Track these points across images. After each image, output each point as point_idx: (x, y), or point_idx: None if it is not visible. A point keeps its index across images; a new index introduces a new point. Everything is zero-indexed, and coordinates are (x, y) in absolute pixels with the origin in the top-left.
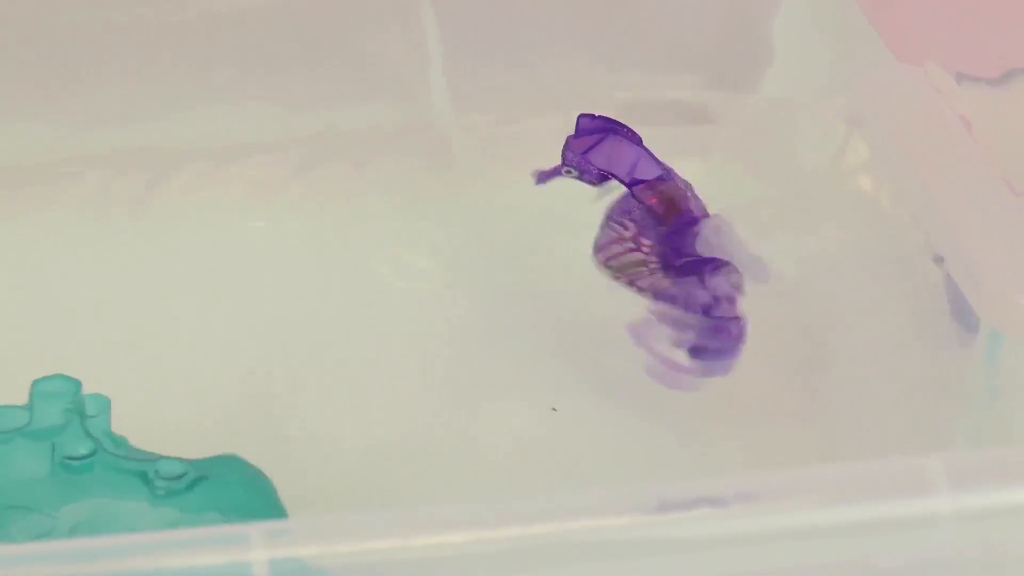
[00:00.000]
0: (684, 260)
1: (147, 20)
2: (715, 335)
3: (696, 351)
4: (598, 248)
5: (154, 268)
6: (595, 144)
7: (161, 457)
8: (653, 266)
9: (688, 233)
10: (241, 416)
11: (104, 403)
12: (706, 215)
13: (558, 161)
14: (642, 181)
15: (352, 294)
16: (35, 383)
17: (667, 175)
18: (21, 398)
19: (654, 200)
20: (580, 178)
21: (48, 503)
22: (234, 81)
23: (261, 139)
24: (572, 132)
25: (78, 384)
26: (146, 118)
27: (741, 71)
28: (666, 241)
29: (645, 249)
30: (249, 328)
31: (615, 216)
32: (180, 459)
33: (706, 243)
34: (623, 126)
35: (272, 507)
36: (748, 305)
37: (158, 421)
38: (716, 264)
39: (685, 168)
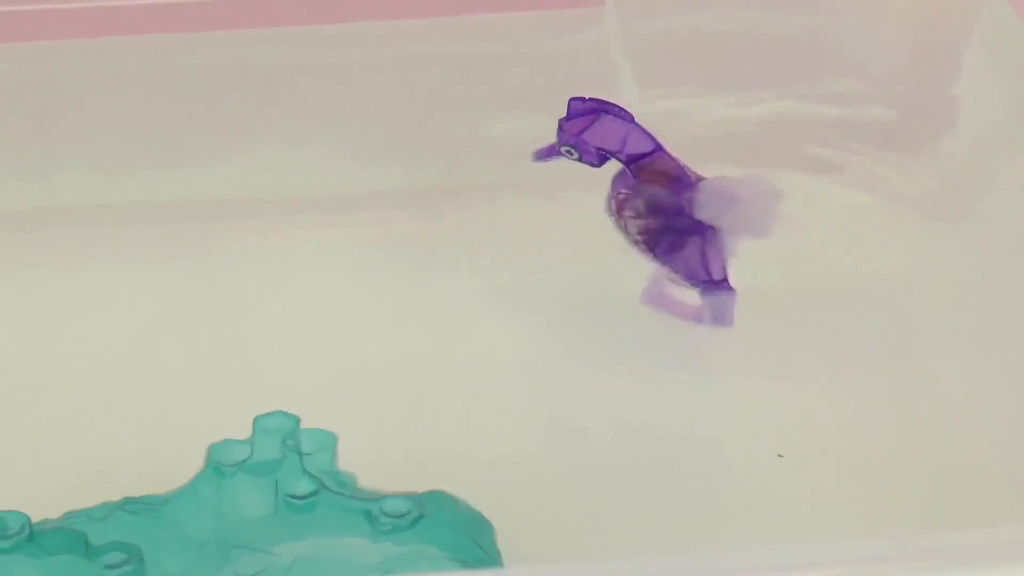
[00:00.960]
0: (680, 225)
1: (245, 67)
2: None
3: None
4: (611, 213)
5: (367, 304)
6: (588, 125)
7: (386, 496)
8: (654, 233)
9: (684, 199)
10: (445, 448)
11: (328, 439)
12: (700, 180)
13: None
14: (638, 156)
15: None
16: (256, 419)
17: (660, 148)
18: (243, 433)
19: (649, 173)
20: (580, 159)
21: (270, 542)
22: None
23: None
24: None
25: (296, 420)
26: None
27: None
28: (664, 210)
29: (646, 217)
30: (458, 363)
31: (617, 187)
32: (403, 496)
33: (702, 206)
34: (613, 105)
35: (486, 542)
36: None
37: (379, 456)
38: (705, 229)
39: None
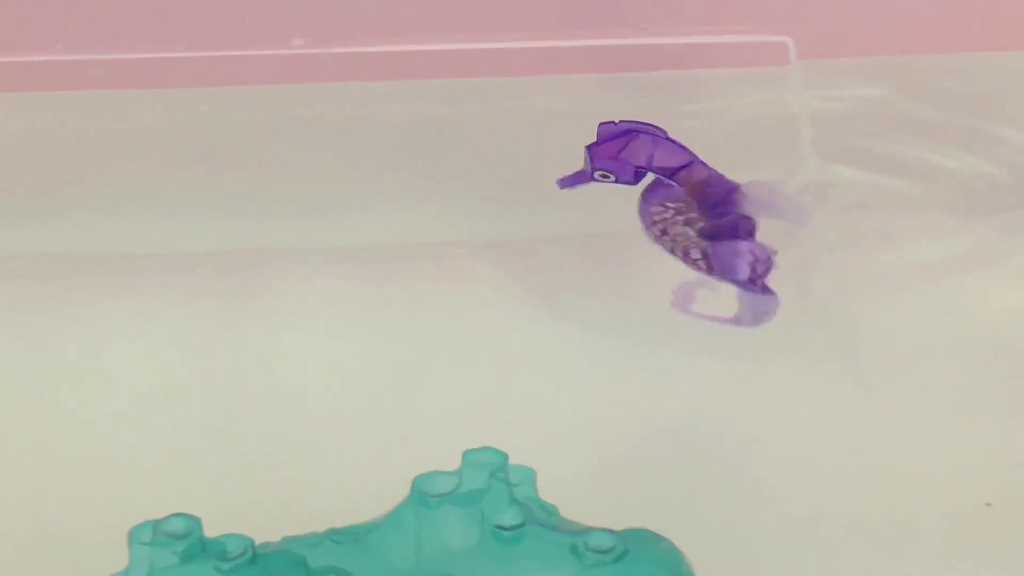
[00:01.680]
0: (721, 225)
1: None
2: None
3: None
4: (652, 228)
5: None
6: (624, 146)
7: (590, 529)
8: (694, 238)
9: (728, 201)
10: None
11: (528, 474)
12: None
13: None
14: (678, 168)
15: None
16: (466, 453)
17: (695, 159)
18: (451, 466)
19: (691, 183)
20: (616, 181)
21: (476, 572)
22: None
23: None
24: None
25: (505, 456)
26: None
27: None
28: (707, 213)
29: (687, 223)
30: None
31: (654, 201)
32: (607, 531)
33: (750, 203)
34: (644, 124)
35: None
36: None
37: (576, 492)
38: (750, 231)
39: None
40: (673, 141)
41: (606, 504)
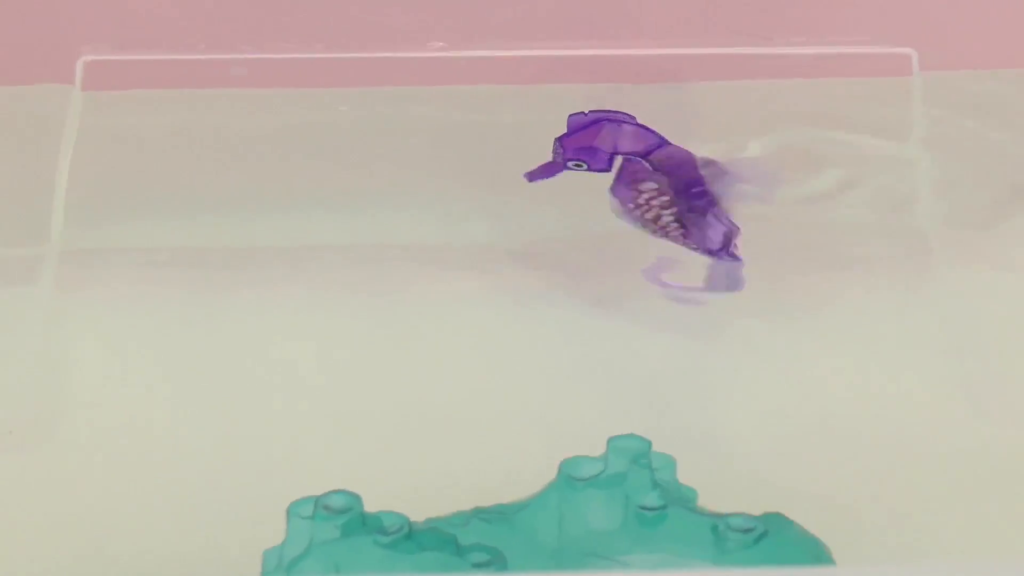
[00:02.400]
0: (698, 201)
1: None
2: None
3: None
4: (629, 209)
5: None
6: (597, 134)
7: (728, 514)
8: (669, 220)
9: (700, 177)
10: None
11: (669, 460)
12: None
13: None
14: (651, 150)
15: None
16: (611, 439)
17: (665, 140)
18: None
19: (665, 163)
20: (589, 168)
21: (620, 552)
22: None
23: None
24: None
25: (648, 443)
26: None
27: None
28: (687, 192)
29: (660, 208)
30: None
31: (631, 183)
32: (745, 515)
33: (720, 178)
34: (613, 112)
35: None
36: None
37: (712, 479)
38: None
39: None
40: (642, 126)
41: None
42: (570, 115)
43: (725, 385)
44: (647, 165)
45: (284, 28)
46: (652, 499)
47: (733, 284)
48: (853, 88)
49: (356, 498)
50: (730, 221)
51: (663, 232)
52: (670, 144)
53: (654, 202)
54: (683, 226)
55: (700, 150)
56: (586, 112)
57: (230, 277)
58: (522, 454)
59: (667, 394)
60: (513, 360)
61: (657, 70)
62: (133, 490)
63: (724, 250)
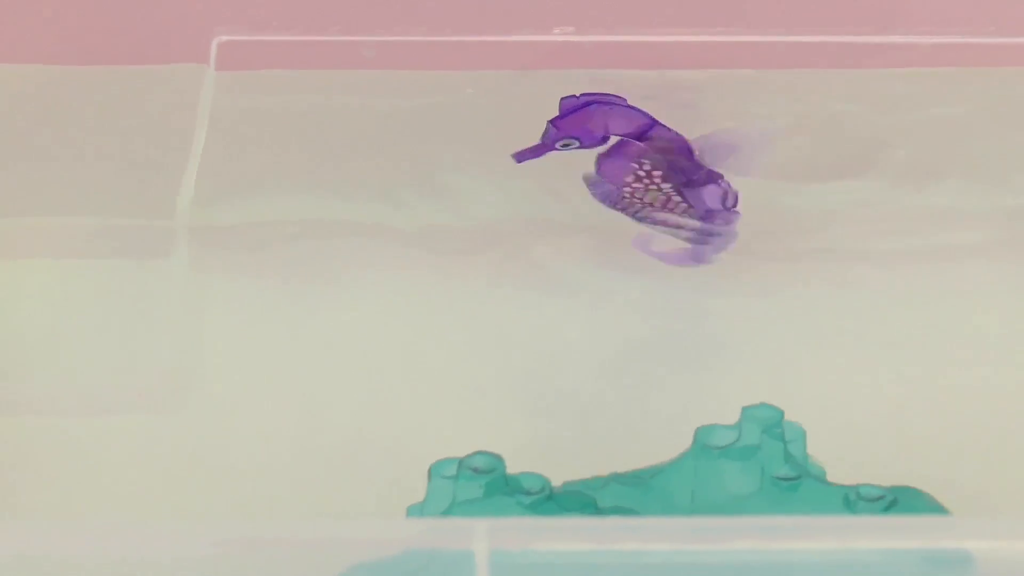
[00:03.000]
0: (694, 175)
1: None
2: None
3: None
4: (615, 201)
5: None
6: (590, 116)
7: (858, 484)
8: (669, 192)
9: (692, 157)
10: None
11: (800, 432)
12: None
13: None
14: (644, 130)
15: None
16: (745, 409)
17: (655, 120)
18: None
19: (658, 141)
20: (580, 146)
21: None
22: None
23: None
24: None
25: (781, 413)
26: None
27: None
28: (683, 168)
29: (659, 183)
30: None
31: (623, 162)
32: (876, 486)
33: (713, 153)
34: (605, 94)
35: None
36: None
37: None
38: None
39: None
40: (633, 107)
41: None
42: (562, 98)
43: (854, 356)
44: (641, 144)
45: (413, 11)
46: (787, 469)
47: (723, 246)
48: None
49: (499, 460)
50: (729, 185)
51: (662, 205)
52: (663, 125)
53: (655, 174)
54: (683, 199)
55: None
56: (578, 95)
57: (357, 251)
58: (657, 422)
59: (797, 363)
60: (649, 336)
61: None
62: (273, 454)
63: (723, 208)
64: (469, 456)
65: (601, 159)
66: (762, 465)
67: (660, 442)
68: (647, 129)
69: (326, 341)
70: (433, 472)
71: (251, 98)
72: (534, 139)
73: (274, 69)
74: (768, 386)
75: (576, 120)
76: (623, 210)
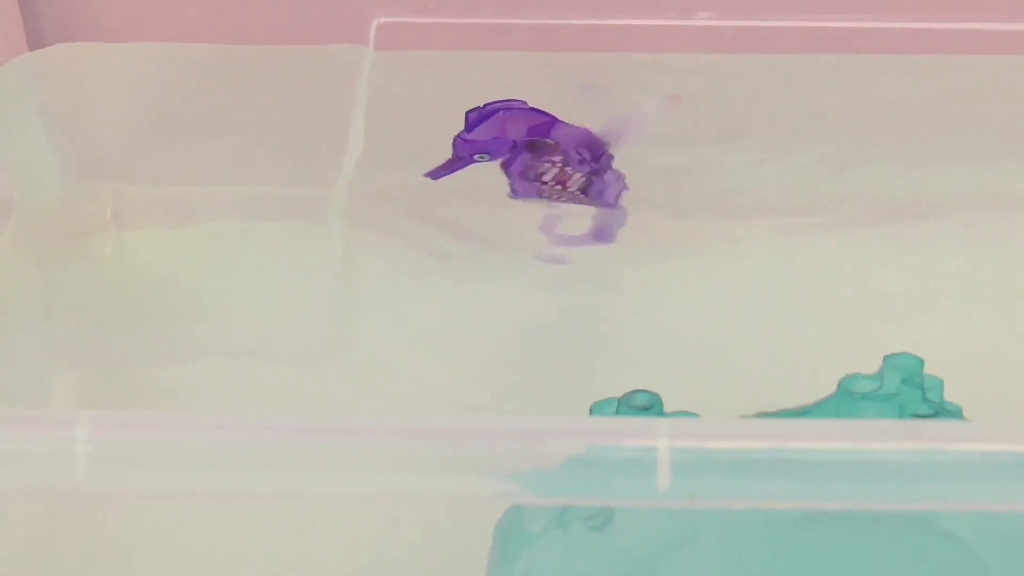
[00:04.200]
0: (596, 164)
1: None
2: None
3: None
4: (540, 190)
5: None
6: (501, 124)
7: None
8: (582, 183)
9: (593, 146)
10: None
11: (938, 382)
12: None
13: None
14: (547, 129)
15: None
16: (887, 357)
17: (556, 119)
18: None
19: (563, 137)
20: (492, 158)
21: None
22: None
23: None
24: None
25: (921, 362)
26: None
27: None
28: (587, 159)
29: (569, 171)
30: None
31: (531, 162)
32: None
33: (609, 139)
34: (505, 101)
35: None
36: None
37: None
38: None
39: None
40: (535, 109)
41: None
42: (467, 111)
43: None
44: (548, 141)
45: None
46: (924, 409)
47: (621, 222)
48: None
49: (657, 397)
50: (620, 176)
51: (570, 199)
52: (563, 122)
53: (566, 169)
54: (584, 190)
55: None
56: (482, 105)
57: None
58: (803, 370)
59: (934, 312)
60: (801, 291)
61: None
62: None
63: (616, 202)
64: (628, 394)
65: (512, 168)
66: (900, 405)
67: (806, 388)
68: (550, 127)
69: (475, 306)
70: (594, 410)
71: (408, 77)
72: (694, 114)
73: (430, 50)
74: (911, 338)
75: (487, 131)
76: (547, 199)
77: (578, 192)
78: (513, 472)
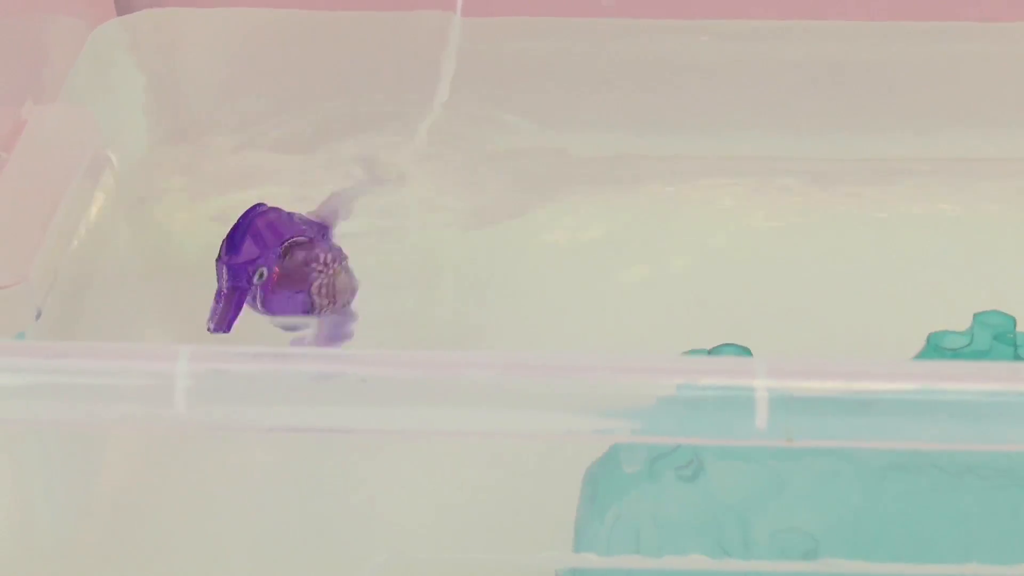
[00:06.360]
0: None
1: None
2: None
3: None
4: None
5: None
6: (267, 237)
7: None
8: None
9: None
10: None
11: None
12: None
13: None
14: (301, 229)
15: None
16: (976, 315)
17: (291, 215)
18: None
19: (313, 230)
20: (270, 271)
21: None
22: None
23: None
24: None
25: (1013, 320)
26: None
27: None
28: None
29: (332, 273)
30: None
31: (304, 268)
32: None
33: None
34: (253, 210)
35: None
36: None
37: None
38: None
39: None
40: (273, 208)
41: None
42: (223, 240)
43: None
44: (302, 239)
45: None
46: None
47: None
48: None
49: (747, 351)
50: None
51: (332, 304)
52: (303, 217)
53: (331, 262)
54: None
55: None
56: (235, 226)
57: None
58: (894, 326)
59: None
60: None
61: None
62: None
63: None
64: (717, 348)
65: (267, 290)
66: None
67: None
68: (299, 227)
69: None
70: None
71: (494, 43)
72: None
73: (516, 16)
74: (1003, 296)
75: (253, 249)
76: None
77: (347, 288)
78: (610, 409)
